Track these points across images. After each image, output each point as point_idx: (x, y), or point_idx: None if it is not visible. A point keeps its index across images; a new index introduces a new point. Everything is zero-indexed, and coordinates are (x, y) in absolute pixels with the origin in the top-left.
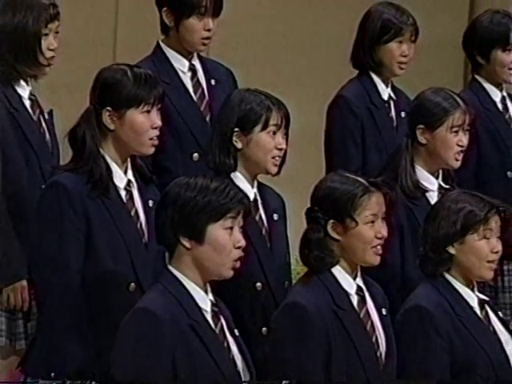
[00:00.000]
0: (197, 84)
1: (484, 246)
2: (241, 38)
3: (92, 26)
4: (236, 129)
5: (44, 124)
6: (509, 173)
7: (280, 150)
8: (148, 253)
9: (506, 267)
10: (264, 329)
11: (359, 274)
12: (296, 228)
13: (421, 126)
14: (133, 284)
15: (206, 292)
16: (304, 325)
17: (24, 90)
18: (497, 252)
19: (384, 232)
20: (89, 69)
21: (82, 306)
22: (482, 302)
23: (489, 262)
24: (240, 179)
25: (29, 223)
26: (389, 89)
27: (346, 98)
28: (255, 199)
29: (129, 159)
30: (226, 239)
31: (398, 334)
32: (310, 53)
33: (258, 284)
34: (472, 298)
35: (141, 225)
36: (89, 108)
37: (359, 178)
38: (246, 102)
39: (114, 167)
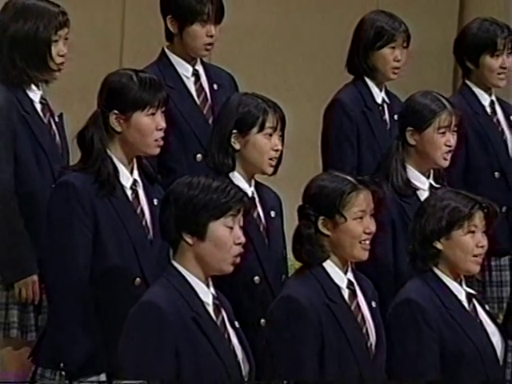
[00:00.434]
0: (200, 88)
1: (469, 241)
2: (242, 45)
3: (99, 33)
4: (234, 130)
5: (54, 126)
6: (496, 173)
7: (276, 151)
8: (153, 249)
9: (493, 263)
10: (262, 320)
11: (350, 268)
12: (292, 225)
13: (410, 127)
14: (138, 279)
15: (207, 286)
16: (298, 317)
17: (35, 94)
18: (482, 246)
19: (372, 227)
20: (97, 74)
21: (89, 299)
22: (469, 296)
23: (474, 256)
24: (238, 179)
25: (39, 221)
26: (382, 93)
27: (342, 101)
28: (253, 197)
29: (134, 160)
30: (226, 236)
31: (389, 326)
32: (308, 59)
33: (257, 278)
34: (460, 291)
35: (146, 222)
36: (96, 111)
37: (348, 177)
38: (243, 105)
39: (121, 167)
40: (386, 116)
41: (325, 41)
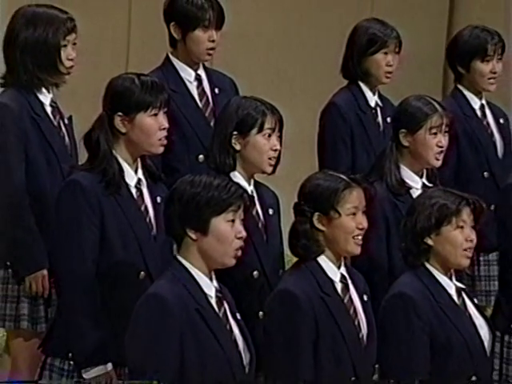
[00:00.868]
0: (202, 92)
1: (458, 235)
2: (243, 50)
3: (107, 40)
4: (235, 132)
5: (64, 128)
6: (485, 173)
7: (275, 151)
8: (156, 244)
9: (482, 258)
10: (261, 313)
11: (343, 263)
12: (289, 222)
13: (403, 129)
14: (142, 272)
15: (210, 279)
16: (294, 309)
17: (46, 98)
18: (471, 240)
19: (364, 223)
20: (104, 78)
21: (96, 292)
22: (459, 290)
23: (464, 250)
24: (238, 178)
25: (49, 218)
26: (376, 96)
27: (337, 104)
28: (252, 196)
29: (139, 159)
30: (228, 231)
31: (382, 319)
32: (305, 64)
33: (255, 272)
34: (450, 286)
35: (150, 219)
36: (102, 114)
37: (341, 175)
38: (243, 108)
39: (126, 167)
40: (379, 118)
41: (322, 46)
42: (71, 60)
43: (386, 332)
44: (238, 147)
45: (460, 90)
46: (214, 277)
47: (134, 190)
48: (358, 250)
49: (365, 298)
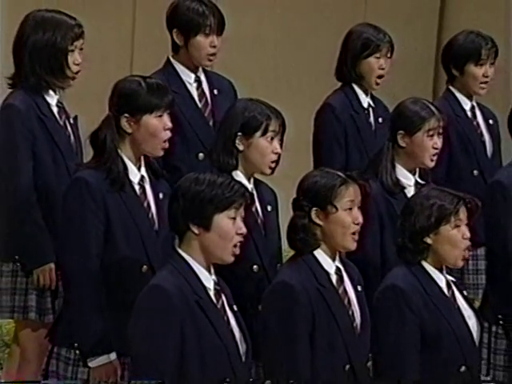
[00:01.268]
0: (201, 94)
1: (456, 234)
2: (244, 54)
3: (112, 43)
4: (239, 133)
5: (69, 128)
6: (475, 171)
7: (276, 154)
8: (158, 239)
9: (470, 252)
10: (260, 306)
11: (337, 256)
12: (287, 218)
13: (401, 131)
14: (145, 266)
15: (209, 272)
16: (291, 300)
17: (52, 99)
18: (467, 238)
19: (360, 218)
20: (110, 80)
21: (101, 285)
22: (448, 283)
23: (462, 250)
24: (240, 176)
25: (56, 213)
26: (368, 98)
27: (332, 106)
28: (252, 193)
29: (142, 157)
30: (229, 227)
31: (375, 309)
32: (301, 67)
33: (255, 266)
34: (440, 279)
35: (152, 215)
36: (108, 115)
37: (337, 172)
38: (249, 110)
39: (130, 165)
40: (372, 119)
41: (318, 50)
42: (77, 65)
43: (378, 322)
44: (241, 148)
45: (452, 91)
46: (212, 270)
47: (137, 187)
48: (353, 246)
49: (359, 288)
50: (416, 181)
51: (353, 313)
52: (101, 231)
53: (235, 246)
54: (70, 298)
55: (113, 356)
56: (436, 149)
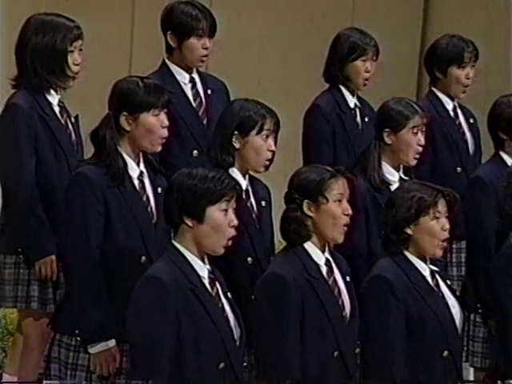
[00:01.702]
0: (196, 93)
1: (435, 225)
2: (238, 55)
3: (112, 45)
4: (235, 132)
5: (70, 126)
6: (458, 168)
7: (270, 151)
8: (157, 231)
9: (454, 246)
10: (253, 296)
11: (327, 249)
12: (279, 212)
13: (387, 129)
14: (144, 257)
15: (203, 262)
16: (283, 290)
17: (54, 98)
18: (446, 229)
19: (349, 210)
20: (110, 80)
21: (101, 275)
22: (432, 272)
23: (441, 240)
24: (236, 173)
25: (57, 207)
26: (355, 99)
27: (320, 106)
28: (247, 189)
29: (141, 154)
30: (221, 219)
31: (363, 299)
32: (292, 69)
33: (249, 258)
34: (424, 268)
35: (151, 208)
36: (108, 113)
37: (326, 167)
38: (244, 110)
39: (129, 161)
40: (358, 118)
41: (308, 53)
42: (77, 65)
43: (366, 310)
44: (237, 146)
45: (435, 92)
46: (206, 260)
47: (136, 182)
48: (341, 239)
49: (347, 278)
50: (400, 177)
51: (342, 302)
52: (101, 223)
53: (228, 238)
54: (72, 287)
55: (112, 343)
56: (420, 145)
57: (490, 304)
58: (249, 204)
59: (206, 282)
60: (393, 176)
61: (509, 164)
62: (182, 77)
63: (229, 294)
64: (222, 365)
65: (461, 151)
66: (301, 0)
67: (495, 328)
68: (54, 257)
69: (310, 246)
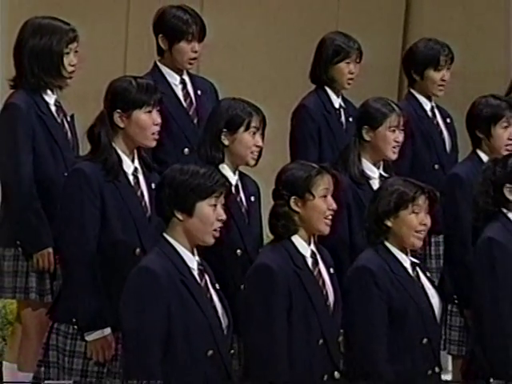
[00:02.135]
0: (186, 94)
1: (413, 219)
2: (226, 58)
3: (107, 45)
4: (224, 129)
5: (66, 125)
6: (436, 165)
7: (258, 147)
8: (151, 225)
9: (433, 239)
10: (242, 286)
11: (313, 241)
12: (268, 207)
13: (366, 126)
14: (138, 249)
15: (193, 254)
16: (270, 281)
17: (50, 98)
18: (425, 224)
19: (334, 205)
20: (105, 80)
21: (97, 267)
22: (413, 264)
23: (417, 232)
24: (226, 169)
25: (54, 202)
26: (339, 99)
27: (306, 106)
28: (237, 185)
29: (135, 151)
30: (210, 213)
31: (347, 289)
32: (280, 70)
33: (239, 251)
34: (405, 260)
35: (145, 203)
36: (103, 111)
37: (312, 164)
38: (232, 109)
39: (124, 157)
40: (343, 118)
41: (295, 55)
42: (73, 66)
43: (349, 300)
44: (226, 142)
45: (413, 93)
46: (195, 252)
47: (131, 177)
48: (327, 230)
49: (331, 270)
50: (380, 174)
51: (326, 293)
52: (97, 217)
53: (215, 230)
54: (69, 277)
55: (107, 331)
56: (397, 142)
57: (467, 295)
58: (238, 199)
59: (196, 273)
60: (373, 172)
61: (485, 162)
62: (173, 78)
63: (217, 285)
64: (210, 352)
65: (438, 149)
66: (289, 5)
67: (471, 317)
68: (51, 249)
69: (296, 239)
